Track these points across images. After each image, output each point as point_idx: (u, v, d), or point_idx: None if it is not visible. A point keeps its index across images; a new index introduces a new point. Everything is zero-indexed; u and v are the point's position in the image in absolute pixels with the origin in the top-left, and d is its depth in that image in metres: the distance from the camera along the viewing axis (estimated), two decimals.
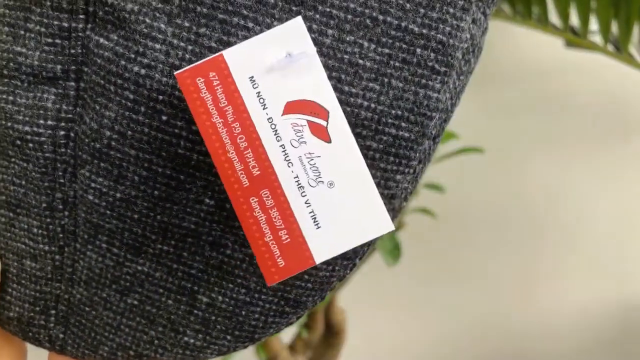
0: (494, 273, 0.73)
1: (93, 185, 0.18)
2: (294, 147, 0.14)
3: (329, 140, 0.14)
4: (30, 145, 0.18)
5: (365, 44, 0.16)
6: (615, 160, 0.70)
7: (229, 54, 0.14)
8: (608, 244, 0.72)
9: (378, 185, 0.16)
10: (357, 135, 0.16)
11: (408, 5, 0.16)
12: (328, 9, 0.15)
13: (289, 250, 0.14)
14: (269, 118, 0.14)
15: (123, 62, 0.16)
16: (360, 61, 0.16)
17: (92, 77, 0.17)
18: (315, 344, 0.57)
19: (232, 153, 0.14)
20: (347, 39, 0.16)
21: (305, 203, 0.14)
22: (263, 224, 0.14)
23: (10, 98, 0.18)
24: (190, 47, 0.16)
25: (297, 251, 0.14)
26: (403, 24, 0.16)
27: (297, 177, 0.14)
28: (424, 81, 0.16)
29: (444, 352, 0.75)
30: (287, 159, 0.14)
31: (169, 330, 0.19)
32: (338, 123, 0.14)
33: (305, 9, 0.15)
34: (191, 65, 0.14)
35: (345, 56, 0.16)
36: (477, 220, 0.71)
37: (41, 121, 0.18)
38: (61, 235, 0.19)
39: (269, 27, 0.15)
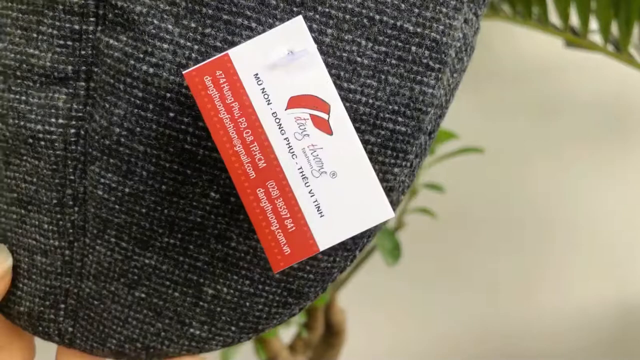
0: (493, 273, 0.73)
1: (102, 180, 0.19)
2: (297, 140, 0.15)
3: (330, 133, 0.15)
4: (42, 143, 0.19)
5: (363, 42, 0.17)
6: (615, 160, 0.70)
7: (234, 53, 0.14)
8: (608, 243, 0.72)
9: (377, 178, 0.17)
10: (356, 130, 0.16)
11: (403, 5, 0.16)
12: (327, 10, 0.16)
13: (294, 238, 0.15)
14: (274, 113, 0.15)
15: (132, 62, 0.17)
16: (359, 59, 0.17)
17: (102, 76, 0.18)
18: (315, 344, 0.57)
19: (238, 147, 0.15)
20: (346, 37, 0.17)
21: (309, 193, 0.15)
22: (269, 214, 0.15)
23: (23, 98, 0.18)
24: (196, 47, 0.16)
25: (302, 239, 0.15)
26: (398, 23, 0.17)
27: (301, 168, 0.15)
28: (419, 77, 0.17)
29: (443, 352, 0.75)
30: (291, 151, 0.15)
31: (175, 322, 0.20)
32: (339, 116, 0.15)
33: (306, 10, 0.16)
34: (198, 65, 0.15)
35: (344, 54, 0.16)
36: (477, 220, 0.71)
37: (52, 120, 0.18)
38: (71, 230, 0.20)
39: (271, 27, 0.16)
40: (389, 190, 0.17)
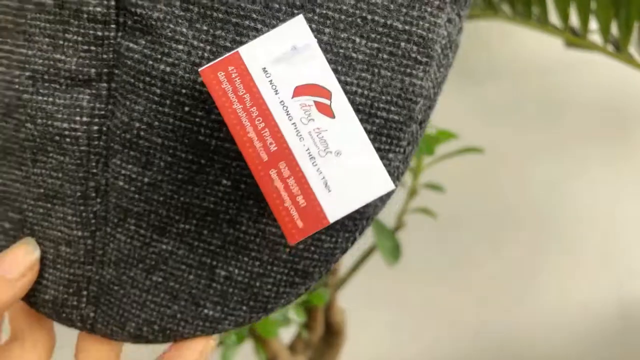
0: (493, 273, 0.73)
1: (123, 172, 0.20)
2: (303, 124, 0.16)
3: (333, 116, 0.16)
4: (67, 140, 0.20)
5: (357, 39, 0.19)
6: (615, 160, 0.70)
7: (244, 50, 0.16)
8: (608, 243, 0.72)
9: None
10: None
11: (392, 6, 0.18)
12: (324, 11, 0.18)
13: (306, 213, 0.16)
14: (281, 101, 0.16)
15: (151, 62, 0.19)
16: (354, 54, 0.18)
17: (123, 77, 0.19)
18: (315, 344, 0.57)
19: (251, 133, 0.16)
20: (342, 36, 0.18)
21: (317, 171, 0.16)
22: (282, 192, 0.16)
23: (50, 99, 0.20)
24: (208, 47, 0.18)
25: (313, 213, 0.16)
26: (388, 22, 0.18)
27: (308, 149, 0.16)
28: (408, 70, 0.19)
29: (443, 352, 0.75)
30: (299, 134, 0.16)
31: (190, 304, 0.21)
32: (340, 101, 0.16)
33: (305, 12, 0.18)
34: (212, 62, 0.16)
35: (341, 50, 0.18)
36: (477, 220, 0.71)
37: (77, 118, 0.20)
38: (93, 221, 0.21)
39: (275, 27, 0.17)
40: None
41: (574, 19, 0.47)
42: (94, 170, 0.20)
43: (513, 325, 0.74)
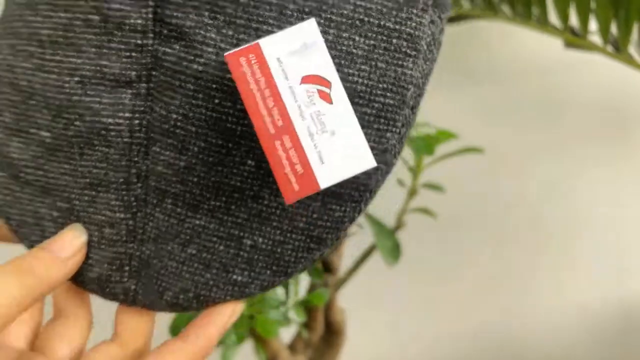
0: (493, 273, 0.73)
1: (162, 158, 0.23)
2: (306, 107, 0.20)
3: (331, 103, 0.20)
4: (112, 133, 0.23)
5: (357, 38, 0.22)
6: (615, 159, 0.70)
7: (263, 42, 0.20)
8: (608, 243, 0.72)
9: (374, 141, 0.22)
10: (355, 104, 0.22)
11: (384, 9, 0.22)
12: (329, 16, 0.22)
13: (302, 179, 0.20)
14: (290, 86, 0.20)
15: (185, 63, 0.22)
16: (354, 50, 0.22)
17: (160, 77, 0.23)
18: (315, 343, 0.57)
19: (263, 110, 0.20)
20: (344, 35, 0.22)
21: (314, 146, 0.20)
22: (284, 160, 0.20)
23: (97, 99, 0.23)
24: (233, 49, 0.21)
25: (308, 179, 0.19)
26: (382, 23, 0.22)
27: (308, 127, 0.20)
28: (400, 62, 0.23)
29: (443, 352, 0.75)
30: (302, 115, 0.20)
31: (221, 271, 0.24)
32: (338, 90, 0.20)
33: (313, 16, 0.22)
34: (236, 49, 0.20)
35: (343, 47, 0.22)
36: (477, 220, 0.71)
37: (121, 114, 0.23)
38: (134, 203, 0.24)
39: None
40: (384, 151, 0.23)
41: (574, 20, 0.47)
42: (136, 159, 0.24)
43: (513, 325, 0.75)
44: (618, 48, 0.46)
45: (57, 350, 0.23)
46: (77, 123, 0.24)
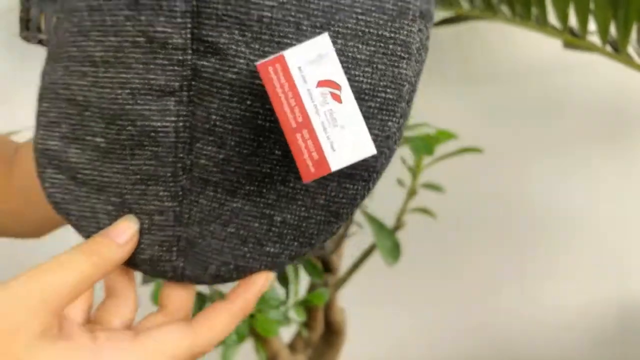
0: (493, 273, 0.73)
1: (204, 152, 0.28)
2: (321, 106, 0.24)
3: (341, 102, 0.25)
4: (161, 134, 0.28)
5: (360, 45, 0.27)
6: (614, 160, 0.70)
7: (287, 53, 0.24)
8: (607, 243, 0.72)
9: (378, 129, 0.27)
10: (362, 99, 0.27)
11: (381, 21, 0.27)
12: (337, 29, 0.27)
13: (317, 163, 0.24)
14: (308, 89, 0.24)
15: (221, 73, 0.27)
16: (358, 56, 0.27)
17: (200, 86, 0.27)
18: (315, 343, 0.57)
19: (287, 108, 0.24)
20: (349, 44, 0.27)
21: (327, 137, 0.24)
22: (303, 149, 0.24)
23: (147, 107, 0.28)
24: (260, 60, 0.26)
25: (322, 163, 0.24)
26: (380, 32, 0.27)
27: (322, 122, 0.24)
28: (396, 64, 0.27)
29: (443, 352, 0.75)
30: (317, 112, 0.24)
31: (256, 245, 0.28)
32: (346, 93, 0.25)
33: (324, 31, 0.26)
34: (265, 60, 0.24)
35: (349, 54, 0.27)
36: (476, 220, 0.71)
37: (167, 118, 0.28)
38: (180, 192, 0.28)
39: (305, 41, 0.25)
40: (386, 138, 0.27)
41: (573, 20, 0.47)
42: (181, 155, 0.28)
43: (513, 325, 0.75)
44: (617, 48, 0.46)
45: (112, 323, 0.27)
46: (129, 128, 0.28)
